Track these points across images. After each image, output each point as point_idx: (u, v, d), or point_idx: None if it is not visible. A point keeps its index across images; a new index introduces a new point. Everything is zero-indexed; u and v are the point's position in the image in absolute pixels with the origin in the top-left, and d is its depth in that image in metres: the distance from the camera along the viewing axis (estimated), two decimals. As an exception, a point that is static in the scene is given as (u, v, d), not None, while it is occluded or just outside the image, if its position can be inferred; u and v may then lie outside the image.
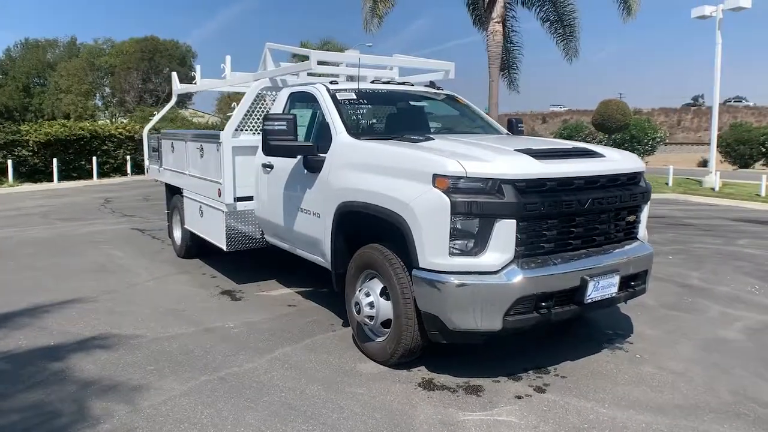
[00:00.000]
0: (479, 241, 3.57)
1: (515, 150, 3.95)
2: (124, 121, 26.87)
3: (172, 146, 7.70)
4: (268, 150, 4.73)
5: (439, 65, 6.24)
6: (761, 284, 6.32)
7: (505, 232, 3.56)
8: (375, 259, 4.14)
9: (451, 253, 3.58)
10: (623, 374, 4.03)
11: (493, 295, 3.57)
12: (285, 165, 5.23)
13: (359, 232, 4.46)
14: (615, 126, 23.12)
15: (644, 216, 4.36)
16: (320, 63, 5.45)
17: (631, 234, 4.28)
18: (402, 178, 3.85)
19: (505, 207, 3.53)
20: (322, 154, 4.72)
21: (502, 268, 3.59)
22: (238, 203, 6.03)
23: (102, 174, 20.88)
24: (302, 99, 5.63)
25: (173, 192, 8.12)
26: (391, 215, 3.86)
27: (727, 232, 9.79)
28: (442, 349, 4.19)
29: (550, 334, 4.72)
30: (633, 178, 4.19)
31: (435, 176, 3.61)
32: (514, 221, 3.55)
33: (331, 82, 5.41)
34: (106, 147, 21.30)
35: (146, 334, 4.91)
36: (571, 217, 3.81)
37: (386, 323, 4.13)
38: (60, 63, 47.91)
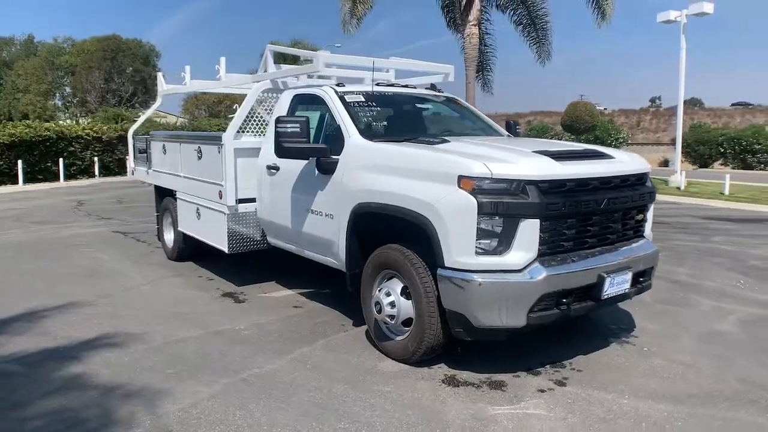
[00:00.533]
0: (504, 241, 3.68)
1: (533, 152, 4.08)
2: (88, 121, 26.12)
3: (164, 148, 7.60)
4: (281, 152, 4.75)
5: (439, 68, 6.34)
6: (744, 279, 6.63)
7: (529, 231, 3.67)
8: (395, 259, 4.21)
9: (477, 253, 3.68)
10: (635, 367, 4.20)
11: (519, 292, 3.68)
12: (293, 167, 5.24)
13: (375, 233, 4.52)
14: (583, 127, 23.72)
15: (650, 215, 4.54)
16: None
17: (639, 232, 4.46)
18: (424, 179, 3.93)
19: (530, 207, 3.64)
20: (334, 156, 4.76)
21: (526, 267, 3.70)
22: (240, 205, 6.01)
23: (69, 176, 20.30)
24: (307, 101, 5.65)
25: (164, 194, 8.02)
26: (414, 216, 3.93)
27: (700, 230, 10.18)
28: (459, 347, 4.28)
29: (558, 331, 4.86)
30: (641, 178, 4.37)
31: (460, 177, 3.70)
32: (538, 221, 3.67)
33: (337, 85, 5.45)
34: (72, 148, 20.72)
35: (155, 337, 4.86)
36: (588, 217, 3.96)
37: (406, 322, 4.20)
38: (17, 62, 46.34)
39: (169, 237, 7.92)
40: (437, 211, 3.76)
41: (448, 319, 3.90)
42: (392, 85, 5.82)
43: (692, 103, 67.65)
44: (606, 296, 3.99)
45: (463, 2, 15.24)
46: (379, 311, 4.25)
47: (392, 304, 4.19)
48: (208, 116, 32.59)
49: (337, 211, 4.71)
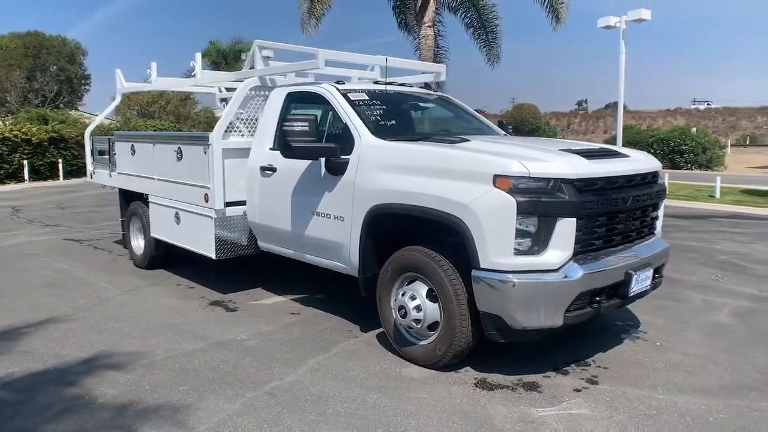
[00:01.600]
0: (541, 240, 3.64)
1: (560, 150, 4.07)
2: (9, 122, 24.41)
3: (133, 149, 7.16)
4: (289, 152, 4.55)
5: (431, 67, 6.28)
6: (721, 273, 6.93)
7: (566, 230, 3.65)
8: (419, 261, 4.09)
9: (515, 253, 3.62)
10: (655, 362, 4.27)
11: (558, 292, 3.66)
12: (293, 167, 5.03)
13: (392, 235, 4.39)
14: (528, 128, 24.38)
15: (661, 212, 4.64)
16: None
17: (652, 229, 4.54)
18: (455, 179, 3.83)
19: (567, 206, 3.62)
20: (344, 156, 4.59)
21: (562, 266, 3.68)
22: (228, 208, 5.72)
23: (-5, 181, 18.97)
24: (303, 100, 5.45)
25: (130, 198, 7.55)
26: (444, 216, 3.83)
27: (657, 227, 10.60)
28: (478, 349, 4.22)
29: (568, 330, 4.88)
30: (655, 176, 4.46)
31: (496, 177, 3.63)
32: (575, 220, 3.66)
33: (337, 82, 5.28)
34: (-1, 151, 19.37)
35: (154, 351, 4.53)
36: (615, 215, 3.99)
37: (432, 326, 4.10)
38: (-76, 58, 42.75)
39: (137, 244, 7.46)
40: (472, 211, 3.67)
41: (483, 321, 3.83)
42: (390, 83, 5.70)
43: (615, 107, 70.92)
44: (632, 293, 4.03)
45: (419, 4, 15.27)
46: (404, 315, 4.12)
47: (418, 308, 4.07)
48: (142, 117, 31.21)
49: (349, 212, 4.55)
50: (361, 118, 4.72)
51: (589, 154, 4.03)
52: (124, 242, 7.78)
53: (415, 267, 4.14)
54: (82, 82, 45.10)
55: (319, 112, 5.21)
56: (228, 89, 8.55)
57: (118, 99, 8.76)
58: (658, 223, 4.62)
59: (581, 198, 3.67)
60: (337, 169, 4.63)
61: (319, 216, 4.87)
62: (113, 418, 3.49)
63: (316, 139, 4.58)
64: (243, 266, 6.74)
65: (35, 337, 4.87)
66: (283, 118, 4.55)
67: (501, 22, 17.14)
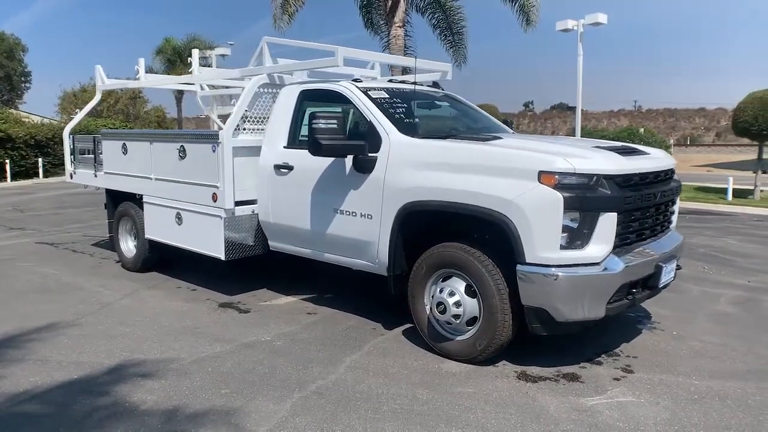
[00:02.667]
0: (585, 235, 3.75)
1: (593, 147, 4.20)
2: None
3: (125, 147, 6.91)
4: (317, 149, 4.50)
5: (438, 66, 6.33)
6: (707, 266, 7.28)
7: (607, 225, 3.77)
8: (457, 257, 4.14)
9: (561, 247, 3.71)
10: (679, 350, 4.45)
11: (602, 284, 3.77)
12: (313, 166, 4.99)
13: (425, 233, 4.42)
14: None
15: (677, 207, 4.85)
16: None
17: (671, 223, 4.74)
18: (496, 175, 3.89)
19: (610, 201, 3.74)
20: (372, 154, 4.59)
21: (604, 259, 3.80)
22: (237, 208, 5.62)
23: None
24: (319, 98, 5.41)
25: (119, 199, 7.29)
26: (487, 213, 3.89)
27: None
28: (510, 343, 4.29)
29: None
30: (673, 172, 4.66)
31: (541, 173, 3.72)
32: (615, 214, 3.78)
33: (354, 80, 5.26)
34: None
35: (179, 356, 4.41)
36: (647, 209, 4.14)
37: (470, 321, 4.14)
38: None
39: (127, 246, 7.22)
40: (518, 206, 3.74)
41: (526, 315, 3.90)
42: (403, 81, 5.72)
43: (560, 108, 73.19)
44: (661, 284, 4.20)
45: (389, 4, 15.33)
46: (443, 312, 4.15)
47: (458, 304, 4.11)
48: (91, 116, 30.01)
49: (378, 210, 4.54)
50: (386, 116, 4.73)
51: (621, 151, 4.17)
52: (113, 244, 7.49)
53: (453, 263, 4.17)
54: (23, 79, 43.00)
55: (337, 110, 5.17)
56: (211, 87, 8.40)
57: (98, 96, 8.41)
58: (674, 218, 4.81)
59: (621, 193, 3.80)
60: (364, 166, 4.61)
61: (343, 214, 4.84)
62: (164, 423, 3.37)
63: (345, 136, 4.56)
64: (238, 267, 6.60)
65: (45, 344, 4.65)
66: (312, 115, 4.48)
67: (467, 24, 17.41)
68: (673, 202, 4.68)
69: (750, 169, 17.35)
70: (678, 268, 4.59)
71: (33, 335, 4.87)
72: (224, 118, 6.08)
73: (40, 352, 4.50)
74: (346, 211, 4.81)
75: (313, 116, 4.50)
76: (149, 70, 29.18)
